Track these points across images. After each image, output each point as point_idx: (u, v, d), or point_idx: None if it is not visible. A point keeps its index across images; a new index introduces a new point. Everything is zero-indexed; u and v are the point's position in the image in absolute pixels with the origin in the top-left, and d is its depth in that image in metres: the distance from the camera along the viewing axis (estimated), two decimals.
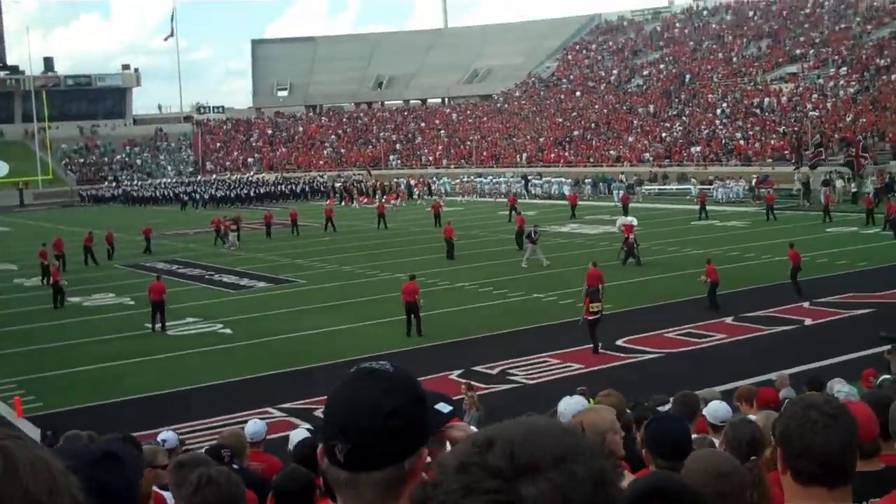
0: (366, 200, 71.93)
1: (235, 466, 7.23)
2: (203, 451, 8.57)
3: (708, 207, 52.66)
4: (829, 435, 2.85)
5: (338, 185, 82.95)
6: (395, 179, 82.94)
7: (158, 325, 27.92)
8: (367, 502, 1.89)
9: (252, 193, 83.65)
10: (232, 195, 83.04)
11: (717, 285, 26.74)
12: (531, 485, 1.33)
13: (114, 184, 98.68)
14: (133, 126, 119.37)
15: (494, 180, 78.74)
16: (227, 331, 27.60)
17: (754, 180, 61.11)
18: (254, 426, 10.30)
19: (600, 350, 22.71)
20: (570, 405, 6.27)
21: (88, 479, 1.97)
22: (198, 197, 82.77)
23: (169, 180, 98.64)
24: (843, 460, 2.88)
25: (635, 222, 39.66)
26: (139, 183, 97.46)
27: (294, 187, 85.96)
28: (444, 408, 2.03)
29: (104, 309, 32.38)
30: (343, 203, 75.06)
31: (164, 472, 6.94)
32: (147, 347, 25.79)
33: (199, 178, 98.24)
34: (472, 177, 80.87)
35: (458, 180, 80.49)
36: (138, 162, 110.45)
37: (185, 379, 22.23)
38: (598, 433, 4.77)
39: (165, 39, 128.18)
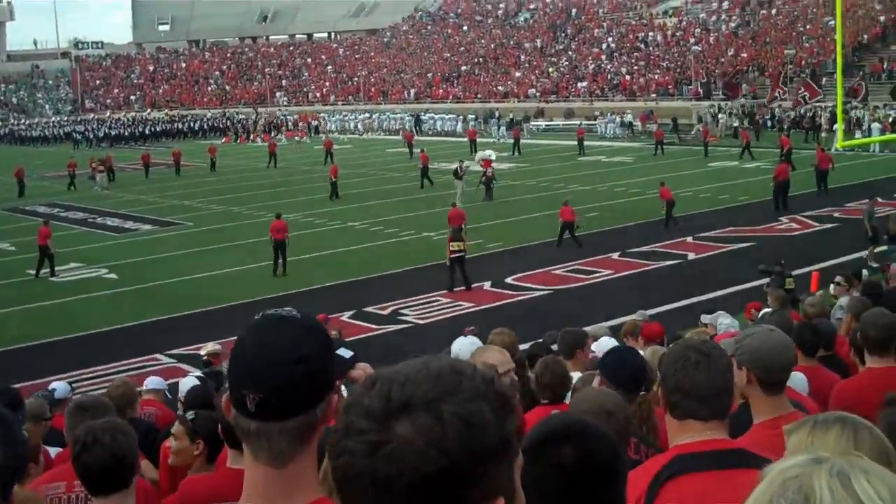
0: (265, 138, 71.14)
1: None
2: None
3: (595, 143, 53.43)
4: (699, 372, 3.02)
5: (240, 120, 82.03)
6: (295, 116, 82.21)
7: (45, 272, 27.14)
8: (278, 451, 1.89)
9: (147, 132, 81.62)
10: (126, 133, 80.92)
11: (571, 225, 27.07)
12: (401, 425, 1.35)
13: None
14: (7, 63, 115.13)
15: (384, 116, 78.32)
16: (112, 276, 27.00)
17: (628, 116, 62.00)
18: (151, 381, 10.25)
19: (479, 287, 23.05)
20: (464, 346, 6.31)
21: None
22: (91, 136, 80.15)
23: (59, 118, 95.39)
24: (713, 397, 3.04)
25: (493, 157, 40.09)
26: (26, 122, 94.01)
27: (192, 125, 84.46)
28: (345, 353, 2.05)
29: None
30: (238, 141, 74.31)
31: (49, 423, 6.78)
32: (29, 295, 25.06)
33: (93, 116, 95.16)
34: (368, 114, 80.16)
35: (363, 116, 79.51)
36: (14, 100, 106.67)
37: (70, 326, 21.69)
38: None
39: None
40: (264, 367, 1.85)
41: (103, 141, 78.03)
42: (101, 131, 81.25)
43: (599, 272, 24.08)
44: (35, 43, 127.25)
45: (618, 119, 62.14)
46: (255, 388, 1.85)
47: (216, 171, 52.02)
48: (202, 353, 14.04)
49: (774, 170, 32.26)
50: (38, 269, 27.15)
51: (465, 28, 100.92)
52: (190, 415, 5.68)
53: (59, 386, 9.73)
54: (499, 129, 64.10)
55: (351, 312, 21.16)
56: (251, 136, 75.41)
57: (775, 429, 3.49)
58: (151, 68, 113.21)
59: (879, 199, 28.15)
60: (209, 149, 55.21)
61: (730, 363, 3.16)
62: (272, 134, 72.42)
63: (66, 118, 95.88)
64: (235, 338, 1.96)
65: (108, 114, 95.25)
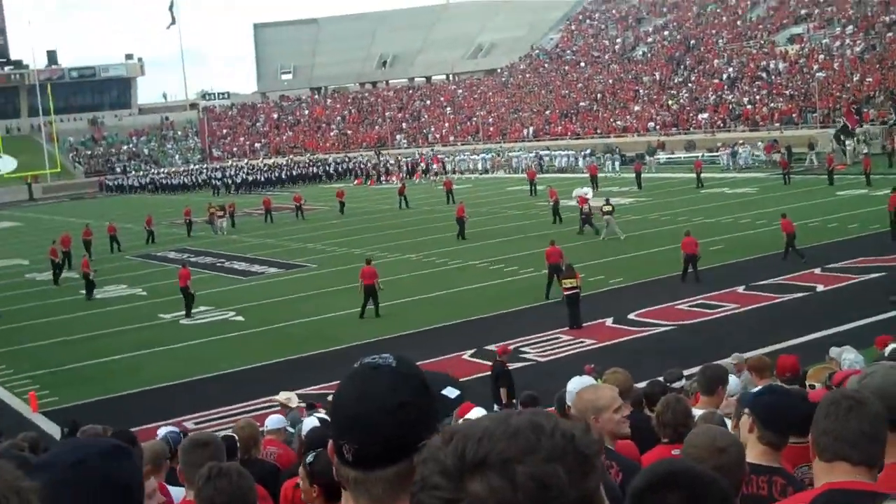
0: (395, 179, 72.12)
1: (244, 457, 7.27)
2: None
3: (718, 175, 52.74)
4: (850, 418, 3.01)
5: (375, 163, 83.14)
6: (420, 154, 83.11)
7: (180, 313, 28.28)
8: (378, 498, 1.89)
9: (283, 176, 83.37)
10: (262, 179, 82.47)
11: (693, 258, 26.64)
12: (475, 484, 1.33)
13: (140, 172, 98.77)
14: (139, 115, 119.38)
15: (512, 154, 77.96)
16: (240, 318, 27.64)
17: (745, 147, 60.51)
18: (273, 420, 10.41)
19: (601, 323, 22.95)
20: (578, 385, 6.22)
21: (99, 470, 1.99)
22: (230, 182, 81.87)
23: (198, 167, 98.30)
24: (862, 443, 3.01)
25: (590, 193, 40.12)
26: (165, 171, 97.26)
27: (326, 168, 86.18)
28: (451, 392, 2.02)
29: (117, 300, 32.41)
30: (369, 183, 75.37)
31: (169, 465, 6.89)
32: (161, 337, 25.85)
33: (231, 162, 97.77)
34: (496, 153, 79.89)
35: (483, 156, 79.12)
36: (145, 151, 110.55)
37: (200, 368, 22.28)
38: (595, 410, 4.81)
39: (167, 28, 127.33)
40: (359, 419, 1.86)
41: (241, 187, 79.79)
42: (238, 177, 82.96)
43: (724, 306, 23.59)
44: (164, 96, 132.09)
45: (742, 151, 60.61)
46: (351, 438, 1.87)
47: (345, 213, 52.29)
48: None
49: (889, 199, 30.91)
50: (187, 310, 28.20)
51: (582, 64, 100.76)
52: (310, 457, 5.70)
53: (168, 430, 9.95)
54: (613, 163, 63.69)
55: (471, 351, 21.18)
56: (383, 178, 76.26)
57: None
58: (276, 116, 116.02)
59: None
60: (337, 192, 55.60)
61: (882, 412, 3.11)
62: (405, 176, 73.13)
63: (202, 166, 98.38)
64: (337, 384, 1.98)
65: (245, 160, 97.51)
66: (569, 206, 42.48)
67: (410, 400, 1.87)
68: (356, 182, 76.91)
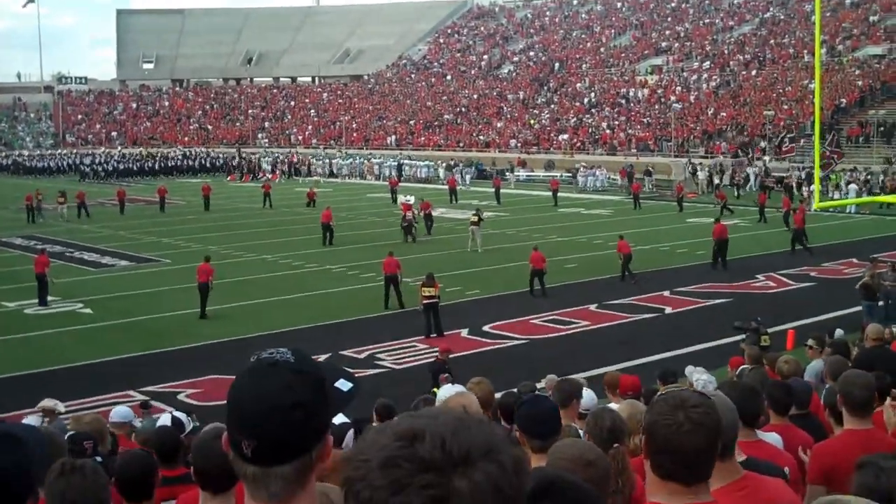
0: (272, 177, 71.83)
1: (99, 459, 7.07)
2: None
3: (574, 195, 53.83)
4: (691, 438, 2.89)
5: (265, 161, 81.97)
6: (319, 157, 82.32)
7: (31, 301, 27.33)
8: (275, 493, 1.89)
9: (157, 167, 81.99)
10: (135, 168, 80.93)
11: (540, 272, 27.17)
12: (465, 476, 1.36)
13: (2, 153, 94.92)
14: None
15: (374, 161, 78.03)
16: (87, 310, 26.83)
17: (578, 168, 62.17)
18: (119, 411, 10.08)
19: (457, 334, 23.09)
20: (451, 393, 6.28)
21: None
22: (100, 169, 79.46)
23: (64, 151, 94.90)
24: (702, 461, 2.96)
25: (412, 201, 40.93)
26: (28, 153, 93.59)
27: (203, 161, 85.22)
28: (343, 385, 2.02)
29: None
30: (242, 180, 74.65)
31: None
32: (4, 326, 24.86)
33: (103, 149, 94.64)
34: (367, 158, 79.59)
35: (362, 160, 78.90)
36: None
37: (43, 360, 21.47)
38: None
39: (24, 6, 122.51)
40: (257, 416, 1.85)
41: (111, 175, 77.66)
42: (109, 165, 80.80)
43: (576, 323, 24.10)
44: (18, 76, 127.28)
45: (599, 173, 62.18)
46: (250, 435, 1.86)
47: (210, 209, 51.40)
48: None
49: (714, 228, 32.31)
50: (40, 298, 27.17)
51: (448, 77, 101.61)
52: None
53: (31, 421, 9.60)
54: (464, 177, 64.66)
55: (326, 356, 21.04)
56: (259, 174, 75.53)
57: (733, 493, 3.46)
58: (134, 105, 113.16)
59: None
60: (203, 187, 54.38)
61: (719, 424, 3.05)
62: (282, 174, 72.56)
63: (71, 151, 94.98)
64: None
65: (118, 148, 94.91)
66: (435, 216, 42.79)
67: (307, 399, 1.87)
68: (229, 178, 76.14)
